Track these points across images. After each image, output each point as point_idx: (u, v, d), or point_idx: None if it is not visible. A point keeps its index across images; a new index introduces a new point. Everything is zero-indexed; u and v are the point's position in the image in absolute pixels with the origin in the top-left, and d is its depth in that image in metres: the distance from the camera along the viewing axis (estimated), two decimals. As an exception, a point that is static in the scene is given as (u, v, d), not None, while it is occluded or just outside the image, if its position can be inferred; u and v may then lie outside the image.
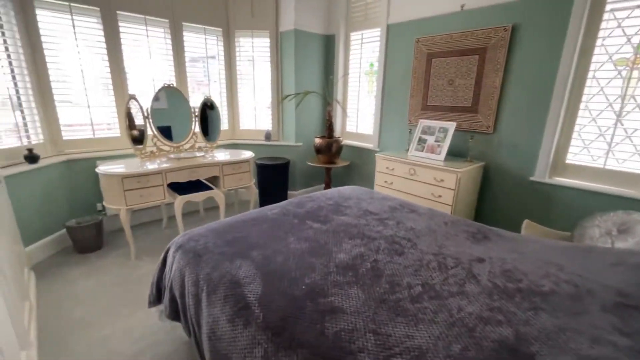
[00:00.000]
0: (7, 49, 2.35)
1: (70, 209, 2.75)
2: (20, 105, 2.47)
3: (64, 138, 2.73)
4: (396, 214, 1.86)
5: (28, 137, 2.53)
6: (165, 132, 2.83)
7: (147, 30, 2.97)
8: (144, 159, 2.69)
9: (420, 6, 2.79)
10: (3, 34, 2.32)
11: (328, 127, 3.45)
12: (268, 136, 3.76)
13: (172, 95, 2.84)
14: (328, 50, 3.73)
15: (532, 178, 2.35)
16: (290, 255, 1.35)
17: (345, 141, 3.69)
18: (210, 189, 2.77)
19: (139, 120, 2.67)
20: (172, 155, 2.79)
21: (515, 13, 2.27)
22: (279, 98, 3.71)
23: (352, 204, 1.99)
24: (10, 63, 2.37)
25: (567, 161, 2.26)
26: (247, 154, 3.06)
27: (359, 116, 3.72)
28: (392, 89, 3.20)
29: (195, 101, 3.06)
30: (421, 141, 2.73)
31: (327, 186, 3.66)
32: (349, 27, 3.56)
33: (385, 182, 2.81)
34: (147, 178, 2.41)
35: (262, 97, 3.77)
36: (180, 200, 2.58)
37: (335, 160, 3.53)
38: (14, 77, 2.41)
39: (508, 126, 2.44)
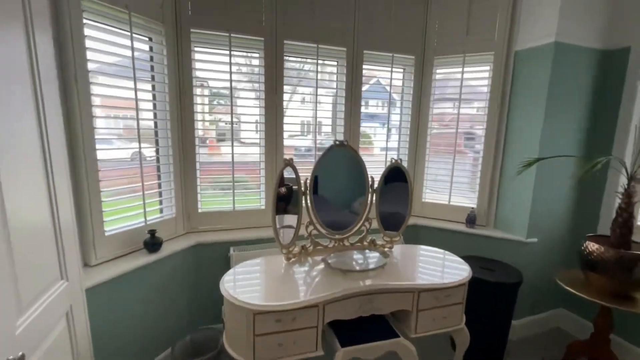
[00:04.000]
0: (153, 88, 1.79)
1: (189, 315, 1.93)
2: (158, 169, 1.86)
3: (200, 210, 2.02)
4: None
5: (161, 210, 1.88)
6: (319, 203, 1.73)
7: (317, 62, 2.09)
8: (292, 261, 1.65)
9: None
10: (153, 77, 1.77)
11: (622, 223, 1.71)
12: (472, 220, 2.28)
13: (339, 155, 1.77)
14: (606, 77, 2.05)
15: None
16: None
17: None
18: (393, 334, 1.46)
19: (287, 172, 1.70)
20: (332, 259, 1.65)
21: None
22: (497, 159, 2.22)
23: None
24: (155, 115, 1.80)
25: None
26: (462, 273, 1.64)
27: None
28: None
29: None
30: None
31: (602, 335, 1.82)
32: (670, 30, 1.82)
33: None
34: (294, 315, 1.30)
35: (466, 157, 2.38)
36: (342, 357, 1.36)
37: (632, 292, 1.70)
38: (156, 134, 1.82)
39: None
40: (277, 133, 2.08)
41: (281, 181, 1.69)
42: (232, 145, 1.98)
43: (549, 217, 2.13)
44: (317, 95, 2.12)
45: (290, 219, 1.69)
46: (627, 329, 2.00)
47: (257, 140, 2.08)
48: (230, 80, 1.91)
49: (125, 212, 1.65)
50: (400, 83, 2.40)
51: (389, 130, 2.38)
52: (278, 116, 2.07)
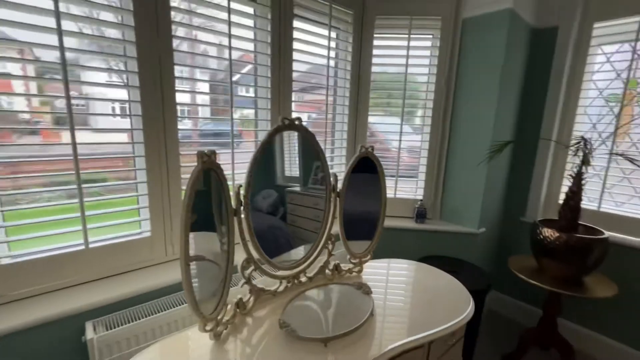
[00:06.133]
0: None
1: None
2: None
3: (10, 260, 0.99)
4: None
5: None
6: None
7: (230, 10, 1.31)
8: (223, 335, 0.91)
9: None
10: None
11: (573, 207, 1.66)
12: (422, 214, 1.98)
13: (281, 143, 1.10)
14: (536, 57, 2.01)
15: None
16: None
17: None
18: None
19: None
20: (292, 318, 1.00)
21: None
22: (444, 143, 1.97)
23: None
24: None
25: None
26: (463, 296, 1.26)
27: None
28: None
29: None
30: None
31: (551, 320, 1.81)
32: (590, 11, 1.85)
33: None
34: None
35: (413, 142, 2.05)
36: None
37: (582, 277, 1.70)
38: None
39: None
40: (165, 110, 1.22)
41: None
42: (73, 134, 1.03)
43: (491, 205, 2.03)
44: (230, 48, 1.34)
45: (202, 241, 0.93)
46: (575, 312, 2.01)
47: (128, 124, 1.18)
48: (58, 18, 0.95)
49: None
50: (333, 44, 1.85)
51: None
52: (164, 82, 1.20)
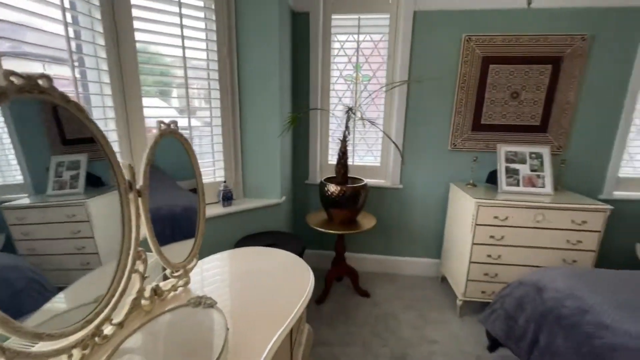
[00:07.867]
0: None
1: None
2: None
3: None
4: None
5: None
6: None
7: None
8: None
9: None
10: None
11: (343, 165, 2.07)
12: (228, 196, 1.82)
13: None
14: (297, 38, 2.24)
15: (600, 196, 2.26)
16: None
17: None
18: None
19: None
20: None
21: (589, 21, 2.03)
22: (236, 120, 1.86)
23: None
24: None
25: (620, 175, 2.30)
26: (301, 263, 1.24)
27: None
28: (419, 103, 2.29)
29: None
30: (511, 172, 2.06)
31: (341, 256, 2.24)
32: (329, 3, 2.25)
33: (493, 237, 1.93)
34: None
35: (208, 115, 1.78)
36: None
37: (356, 217, 2.19)
38: None
39: (578, 146, 2.22)
40: None
41: None
42: None
43: (285, 174, 2.18)
44: None
45: None
46: (353, 244, 2.57)
47: None
48: None
49: None
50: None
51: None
52: None
